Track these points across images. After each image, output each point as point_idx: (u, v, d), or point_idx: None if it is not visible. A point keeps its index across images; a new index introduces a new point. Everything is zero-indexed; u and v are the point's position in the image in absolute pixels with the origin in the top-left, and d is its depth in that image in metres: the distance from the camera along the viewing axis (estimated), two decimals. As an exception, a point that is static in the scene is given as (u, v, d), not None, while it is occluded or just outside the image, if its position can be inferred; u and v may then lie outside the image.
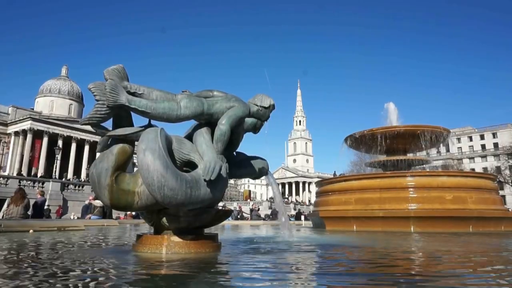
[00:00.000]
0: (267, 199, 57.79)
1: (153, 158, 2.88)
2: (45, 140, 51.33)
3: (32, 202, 12.33)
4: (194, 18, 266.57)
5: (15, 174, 40.08)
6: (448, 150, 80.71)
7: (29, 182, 28.23)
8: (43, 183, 28.79)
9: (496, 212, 10.82)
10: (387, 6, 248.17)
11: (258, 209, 30.18)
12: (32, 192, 19.51)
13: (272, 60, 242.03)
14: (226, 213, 4.03)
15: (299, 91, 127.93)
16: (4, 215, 11.02)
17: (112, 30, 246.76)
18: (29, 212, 11.79)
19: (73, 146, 53.75)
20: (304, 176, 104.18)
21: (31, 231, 6.92)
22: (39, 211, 13.31)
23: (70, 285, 2.03)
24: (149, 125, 3.41)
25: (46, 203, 25.43)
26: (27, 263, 2.92)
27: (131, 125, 3.45)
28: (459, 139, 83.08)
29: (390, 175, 11.73)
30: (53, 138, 51.43)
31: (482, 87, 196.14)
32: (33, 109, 57.12)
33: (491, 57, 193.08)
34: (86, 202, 15.23)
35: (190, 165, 3.35)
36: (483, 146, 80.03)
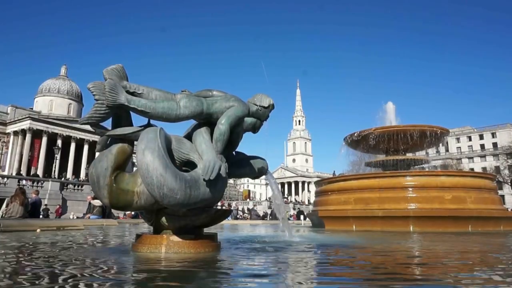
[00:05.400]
0: (266, 199, 57.81)
1: (152, 157, 2.88)
2: (44, 139, 51.24)
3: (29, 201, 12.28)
4: (194, 18, 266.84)
5: (14, 174, 40.04)
6: (447, 150, 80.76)
7: (28, 181, 28.18)
8: (42, 183, 28.78)
9: (495, 211, 10.84)
10: (387, 6, 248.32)
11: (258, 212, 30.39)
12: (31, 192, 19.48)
13: (271, 59, 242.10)
14: (225, 213, 4.03)
15: (298, 91, 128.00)
16: (4, 214, 11.01)
17: (112, 30, 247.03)
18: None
19: (72, 145, 53.66)
20: (304, 176, 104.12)
21: (38, 230, 6.98)
22: (37, 210, 13.26)
23: (68, 284, 2.03)
24: (149, 125, 3.41)
25: (45, 202, 25.52)
26: (26, 263, 2.91)
27: (131, 124, 3.45)
28: (458, 139, 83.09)
29: (389, 175, 11.75)
30: (52, 137, 51.34)
31: (481, 86, 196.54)
32: (32, 108, 56.99)
33: (490, 56, 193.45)
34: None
35: (190, 165, 3.35)
36: (482, 146, 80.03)
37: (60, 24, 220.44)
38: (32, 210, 12.61)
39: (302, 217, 24.89)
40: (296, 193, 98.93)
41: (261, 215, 29.47)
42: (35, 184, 27.94)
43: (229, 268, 2.86)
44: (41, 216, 18.62)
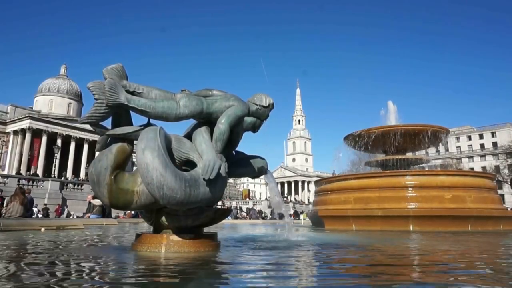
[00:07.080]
0: (266, 198, 57.84)
1: (152, 157, 2.88)
2: (44, 139, 51.21)
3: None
4: (194, 18, 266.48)
5: (14, 173, 40.02)
6: (447, 150, 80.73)
7: (28, 181, 28.17)
8: (42, 182, 28.78)
9: (495, 211, 10.85)
10: (387, 6, 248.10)
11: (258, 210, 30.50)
12: (30, 191, 19.41)
13: (271, 59, 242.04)
14: (225, 212, 4.03)
15: (298, 90, 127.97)
16: (4, 214, 11.01)
17: (112, 29, 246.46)
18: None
19: (72, 145, 53.63)
20: (303, 175, 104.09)
21: (42, 229, 7.02)
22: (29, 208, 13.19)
23: (68, 284, 2.03)
24: (148, 124, 3.41)
25: (45, 202, 25.50)
26: (27, 262, 2.91)
27: (130, 124, 3.45)
28: (458, 138, 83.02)
29: (389, 174, 11.75)
30: (52, 137, 51.31)
31: (481, 86, 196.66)
32: (32, 108, 56.94)
33: (490, 56, 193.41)
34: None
35: (190, 164, 3.35)
36: (482, 145, 79.97)
37: (60, 24, 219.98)
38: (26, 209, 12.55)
39: (301, 216, 24.95)
40: (296, 192, 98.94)
41: (257, 214, 29.56)
42: (34, 183, 27.93)
43: (229, 268, 2.86)
44: (40, 216, 18.64)
